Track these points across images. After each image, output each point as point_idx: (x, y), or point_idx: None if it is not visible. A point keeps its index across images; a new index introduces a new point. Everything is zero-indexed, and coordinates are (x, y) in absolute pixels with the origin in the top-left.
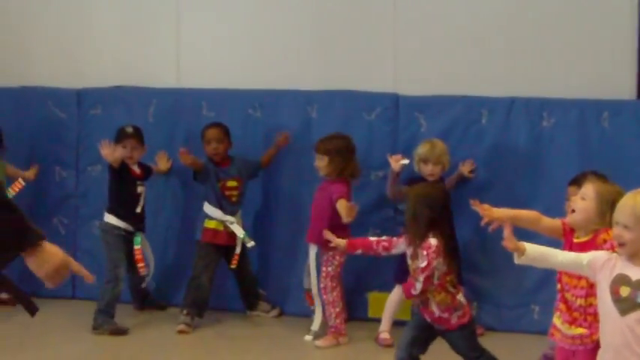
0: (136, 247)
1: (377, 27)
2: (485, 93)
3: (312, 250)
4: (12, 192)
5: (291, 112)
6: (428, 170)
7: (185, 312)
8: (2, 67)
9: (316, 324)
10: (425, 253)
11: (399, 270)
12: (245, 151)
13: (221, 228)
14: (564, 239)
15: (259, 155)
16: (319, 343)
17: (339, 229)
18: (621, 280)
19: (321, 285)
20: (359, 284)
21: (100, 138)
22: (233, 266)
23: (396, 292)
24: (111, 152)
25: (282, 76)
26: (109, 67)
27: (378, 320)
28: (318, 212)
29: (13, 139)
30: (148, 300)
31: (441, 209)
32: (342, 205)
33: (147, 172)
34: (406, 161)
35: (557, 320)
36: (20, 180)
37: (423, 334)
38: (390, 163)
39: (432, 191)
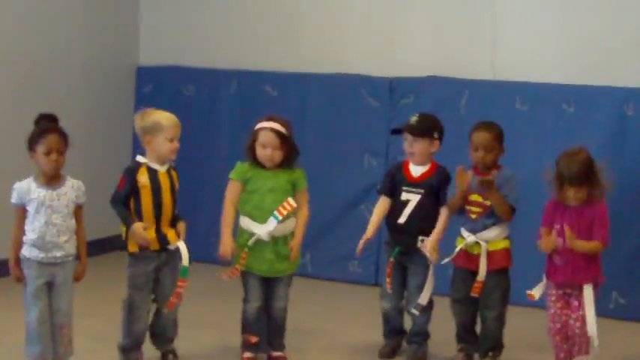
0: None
1: None
2: None
3: (588, 291)
4: (279, 216)
5: (605, 109)
6: None
7: (492, 354)
8: (320, 54)
9: None
10: None
11: None
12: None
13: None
14: None
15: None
16: None
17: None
18: None
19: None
20: None
21: None
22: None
23: None
24: None
25: (598, 72)
26: (423, 56)
27: None
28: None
29: (324, 124)
30: None
31: None
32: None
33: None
34: None
35: None
36: (290, 200)
37: None
38: None
39: None
